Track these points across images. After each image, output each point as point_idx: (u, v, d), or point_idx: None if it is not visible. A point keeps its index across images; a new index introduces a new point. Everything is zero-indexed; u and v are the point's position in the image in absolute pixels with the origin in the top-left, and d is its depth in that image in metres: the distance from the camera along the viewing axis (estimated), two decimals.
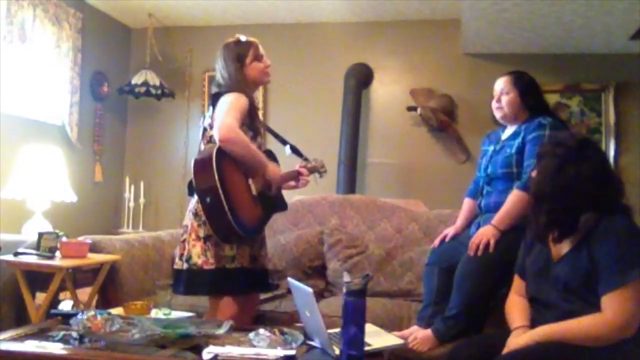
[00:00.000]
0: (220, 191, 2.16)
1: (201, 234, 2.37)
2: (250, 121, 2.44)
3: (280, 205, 2.58)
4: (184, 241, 2.43)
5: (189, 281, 2.38)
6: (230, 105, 2.30)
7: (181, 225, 4.71)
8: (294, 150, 2.71)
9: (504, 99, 2.51)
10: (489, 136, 2.71)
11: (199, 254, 2.35)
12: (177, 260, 2.45)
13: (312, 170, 2.71)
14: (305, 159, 2.71)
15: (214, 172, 2.18)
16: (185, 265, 2.38)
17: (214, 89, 2.51)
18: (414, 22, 4.92)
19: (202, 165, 2.24)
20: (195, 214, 2.39)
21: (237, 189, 2.27)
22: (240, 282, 2.39)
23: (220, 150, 2.24)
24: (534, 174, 1.91)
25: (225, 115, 2.26)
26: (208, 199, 2.20)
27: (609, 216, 1.76)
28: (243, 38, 2.51)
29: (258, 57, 2.49)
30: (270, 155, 2.57)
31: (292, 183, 2.63)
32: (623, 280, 1.68)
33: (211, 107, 2.43)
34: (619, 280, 1.68)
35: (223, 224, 2.20)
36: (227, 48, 2.47)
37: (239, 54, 2.45)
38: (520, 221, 2.29)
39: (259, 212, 2.38)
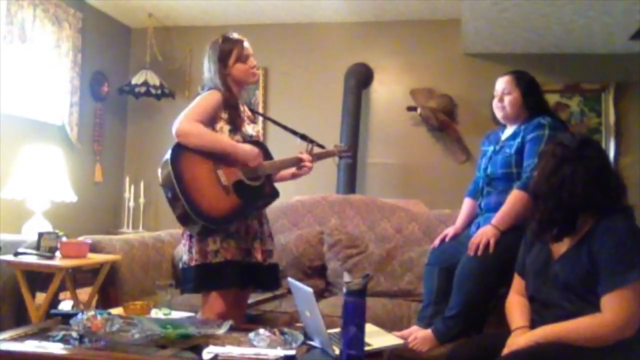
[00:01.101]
0: (175, 183, 2.20)
1: (188, 232, 2.40)
2: (229, 116, 2.43)
3: (267, 194, 2.48)
4: (183, 243, 2.47)
5: (182, 279, 2.44)
6: (196, 102, 2.37)
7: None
8: (305, 138, 2.68)
9: (506, 99, 2.50)
10: (488, 136, 2.71)
11: (187, 252, 2.39)
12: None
13: (320, 156, 2.66)
14: (320, 146, 2.67)
15: (169, 165, 2.23)
16: (181, 265, 2.46)
17: (199, 90, 2.52)
18: (414, 22, 4.92)
19: (162, 162, 2.29)
20: None
21: (198, 181, 2.27)
22: (226, 276, 2.36)
23: (178, 146, 2.29)
24: (535, 173, 1.91)
25: (186, 111, 2.33)
26: (169, 194, 2.24)
27: (609, 216, 1.76)
28: (229, 36, 2.49)
29: (242, 58, 2.46)
30: (258, 146, 2.49)
31: (293, 170, 2.59)
32: (623, 280, 1.68)
33: None
34: (618, 281, 1.68)
35: (184, 216, 2.22)
36: (212, 47, 2.47)
37: (222, 54, 2.44)
38: (520, 221, 2.29)
39: (231, 202, 2.32)
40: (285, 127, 2.72)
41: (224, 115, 2.42)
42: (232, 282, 2.40)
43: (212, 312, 2.34)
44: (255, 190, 2.43)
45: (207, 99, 2.38)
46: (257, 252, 2.46)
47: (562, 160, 1.80)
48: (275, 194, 2.52)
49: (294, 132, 2.69)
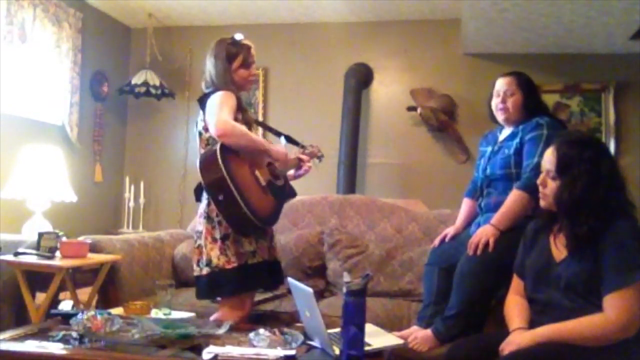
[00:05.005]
0: (232, 186, 2.18)
1: (217, 235, 2.36)
2: (242, 116, 2.45)
3: (289, 193, 2.57)
4: (199, 247, 2.41)
5: (212, 284, 2.37)
6: (220, 102, 2.32)
7: (181, 225, 4.72)
8: (289, 139, 2.70)
9: (509, 101, 2.48)
10: (486, 137, 2.70)
11: (218, 256, 2.35)
12: (194, 267, 2.43)
13: (311, 156, 2.69)
14: (302, 146, 2.70)
15: (221, 167, 2.19)
16: (205, 270, 2.37)
17: (203, 88, 2.51)
18: (414, 22, 4.92)
19: (208, 164, 2.25)
20: (207, 217, 2.39)
21: (246, 182, 2.28)
22: (262, 276, 2.41)
23: (222, 147, 2.25)
24: (552, 183, 1.86)
25: (218, 111, 2.29)
26: (220, 197, 2.21)
27: (613, 218, 1.76)
28: (238, 38, 2.49)
29: (246, 65, 2.47)
30: None
31: (293, 172, 2.61)
32: (626, 281, 1.68)
33: (201, 111, 2.44)
34: (622, 281, 1.69)
35: (240, 218, 2.21)
36: (220, 46, 2.46)
37: (229, 55, 2.43)
38: (519, 221, 2.28)
39: (271, 202, 2.38)
40: (270, 129, 2.74)
41: (239, 116, 2.42)
42: (265, 282, 2.47)
43: (237, 314, 2.36)
44: (281, 189, 2.48)
45: (228, 98, 2.35)
46: (275, 250, 2.55)
47: (595, 164, 1.78)
48: (294, 193, 2.60)
49: (278, 134, 2.70)
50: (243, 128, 2.34)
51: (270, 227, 2.50)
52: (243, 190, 2.22)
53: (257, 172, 2.37)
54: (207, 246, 2.37)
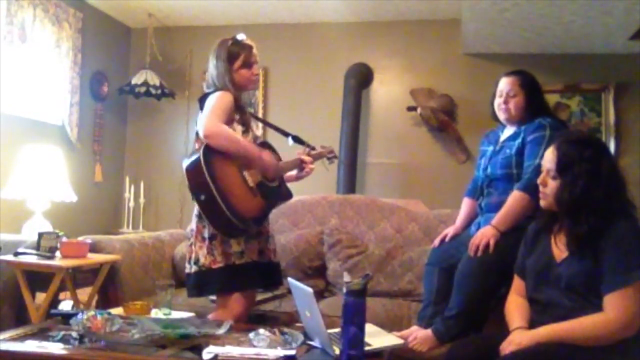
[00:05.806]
0: (212, 186, 2.17)
1: (205, 234, 2.36)
2: (240, 117, 2.44)
3: (284, 194, 2.55)
4: (190, 245, 2.43)
5: (199, 282, 2.38)
6: (213, 103, 2.32)
7: (181, 225, 4.73)
8: (297, 140, 2.68)
9: (512, 102, 2.47)
10: (487, 136, 2.70)
11: (205, 255, 2.35)
12: (186, 265, 2.45)
13: (316, 157, 2.66)
14: (311, 147, 2.68)
15: (203, 168, 2.19)
16: (193, 268, 2.38)
17: (204, 88, 2.51)
18: (414, 22, 4.92)
19: (191, 164, 2.26)
20: (199, 216, 2.39)
21: (230, 182, 2.27)
22: (251, 277, 2.40)
23: (208, 148, 2.25)
24: (552, 183, 1.86)
25: (210, 112, 2.29)
26: (202, 197, 2.21)
27: (613, 218, 1.76)
28: (239, 38, 2.48)
29: (247, 64, 2.45)
30: (268, 147, 2.56)
31: (295, 172, 2.59)
32: (626, 280, 1.69)
33: (200, 111, 2.44)
34: (622, 280, 1.69)
35: (221, 218, 2.20)
36: (221, 46, 2.45)
37: (230, 55, 2.43)
38: (520, 222, 2.28)
39: (258, 203, 2.35)
40: (277, 128, 2.73)
41: (236, 116, 2.42)
42: (255, 282, 2.45)
43: (230, 314, 2.34)
44: (275, 190, 2.46)
45: (224, 99, 2.34)
46: (270, 252, 2.52)
47: (595, 164, 1.78)
48: (290, 195, 2.57)
49: (286, 134, 2.69)
50: (233, 132, 2.33)
51: (263, 228, 2.48)
52: (225, 191, 2.20)
53: (245, 173, 2.34)
54: (196, 245, 2.39)
